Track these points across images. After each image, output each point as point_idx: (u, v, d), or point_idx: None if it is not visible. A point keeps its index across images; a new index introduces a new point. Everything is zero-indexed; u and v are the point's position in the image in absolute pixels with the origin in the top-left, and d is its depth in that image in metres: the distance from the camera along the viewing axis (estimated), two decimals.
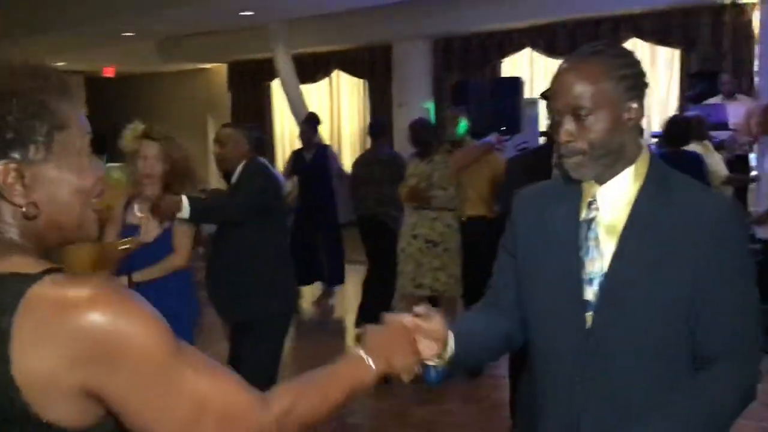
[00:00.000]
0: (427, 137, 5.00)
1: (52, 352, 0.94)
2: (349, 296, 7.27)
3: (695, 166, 4.67)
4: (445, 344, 1.54)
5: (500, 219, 5.44)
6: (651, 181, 1.53)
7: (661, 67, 9.54)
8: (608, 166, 1.52)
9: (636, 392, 1.50)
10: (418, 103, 10.20)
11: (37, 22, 9.91)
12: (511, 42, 10.33)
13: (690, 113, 6.45)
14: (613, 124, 1.49)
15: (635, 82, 1.51)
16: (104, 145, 4.35)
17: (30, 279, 0.97)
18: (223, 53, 12.76)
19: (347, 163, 11.77)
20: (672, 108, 9.13)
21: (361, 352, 1.34)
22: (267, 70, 11.95)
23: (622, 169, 1.53)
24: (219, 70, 14.07)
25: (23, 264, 1.01)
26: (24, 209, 1.03)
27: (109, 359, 0.95)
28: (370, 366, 1.33)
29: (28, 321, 0.94)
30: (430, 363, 1.52)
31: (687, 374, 1.50)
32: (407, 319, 1.50)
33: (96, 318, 0.94)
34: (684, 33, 9.06)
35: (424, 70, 10.92)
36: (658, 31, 9.22)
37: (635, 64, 1.54)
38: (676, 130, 5.30)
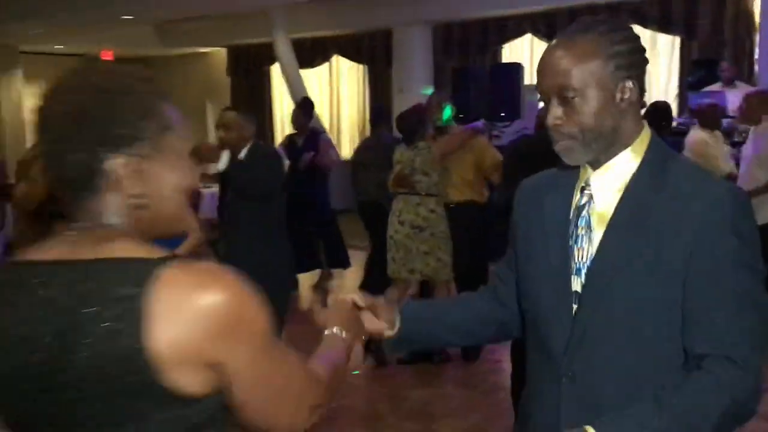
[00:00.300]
0: (412, 124, 5.01)
1: (183, 329, 1.03)
2: (348, 281, 7.28)
3: None
4: (392, 324, 1.62)
5: (492, 205, 5.42)
6: (647, 165, 1.43)
7: (662, 54, 9.52)
8: (602, 150, 1.43)
9: (621, 392, 1.40)
10: (417, 88, 10.19)
11: (36, 5, 9.87)
12: (512, 28, 10.31)
13: (706, 100, 6.36)
14: (603, 105, 1.39)
15: (630, 60, 1.40)
16: None
17: (153, 263, 1.06)
18: (222, 37, 12.72)
19: (346, 148, 11.80)
20: (672, 95, 9.13)
21: (335, 329, 1.46)
22: (267, 55, 11.91)
23: (618, 152, 1.44)
24: (218, 54, 14.03)
25: (140, 250, 1.10)
26: (135, 201, 1.12)
27: (232, 335, 1.06)
28: (343, 337, 1.46)
29: (159, 301, 1.03)
30: (383, 336, 1.63)
31: (678, 375, 1.38)
32: (349, 297, 1.58)
33: (221, 298, 1.05)
34: (685, 20, 9.04)
35: (424, 55, 10.89)
36: (659, 18, 9.20)
37: (630, 39, 1.42)
38: (654, 117, 5.22)
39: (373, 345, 5.05)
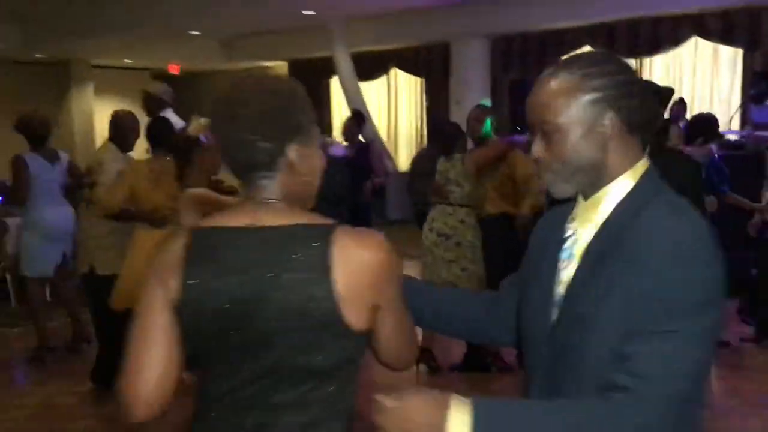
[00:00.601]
0: (449, 136, 5.09)
1: (353, 278, 1.34)
2: None
3: (692, 171, 4.16)
4: None
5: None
6: (629, 199, 1.39)
7: (724, 67, 9.39)
8: (586, 183, 1.42)
9: None
10: (475, 101, 10.24)
11: (106, 21, 10.28)
12: (570, 41, 10.27)
13: None
14: (581, 140, 1.38)
15: (612, 93, 1.37)
16: (169, 137, 4.54)
17: (330, 226, 1.37)
18: (284, 52, 13.01)
19: (404, 159, 11.92)
20: (734, 107, 9.00)
21: None
22: (327, 68, 12.15)
23: (605, 185, 1.42)
24: (280, 68, 14.35)
25: (314, 218, 1.40)
26: (304, 179, 1.42)
27: (385, 282, 1.38)
28: None
29: (337, 256, 1.33)
30: None
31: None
32: None
33: (378, 254, 1.37)
34: (747, 32, 8.91)
35: (481, 68, 10.96)
36: (721, 30, 9.08)
37: (614, 72, 1.39)
38: (695, 129, 5.18)
39: (425, 354, 5.13)
